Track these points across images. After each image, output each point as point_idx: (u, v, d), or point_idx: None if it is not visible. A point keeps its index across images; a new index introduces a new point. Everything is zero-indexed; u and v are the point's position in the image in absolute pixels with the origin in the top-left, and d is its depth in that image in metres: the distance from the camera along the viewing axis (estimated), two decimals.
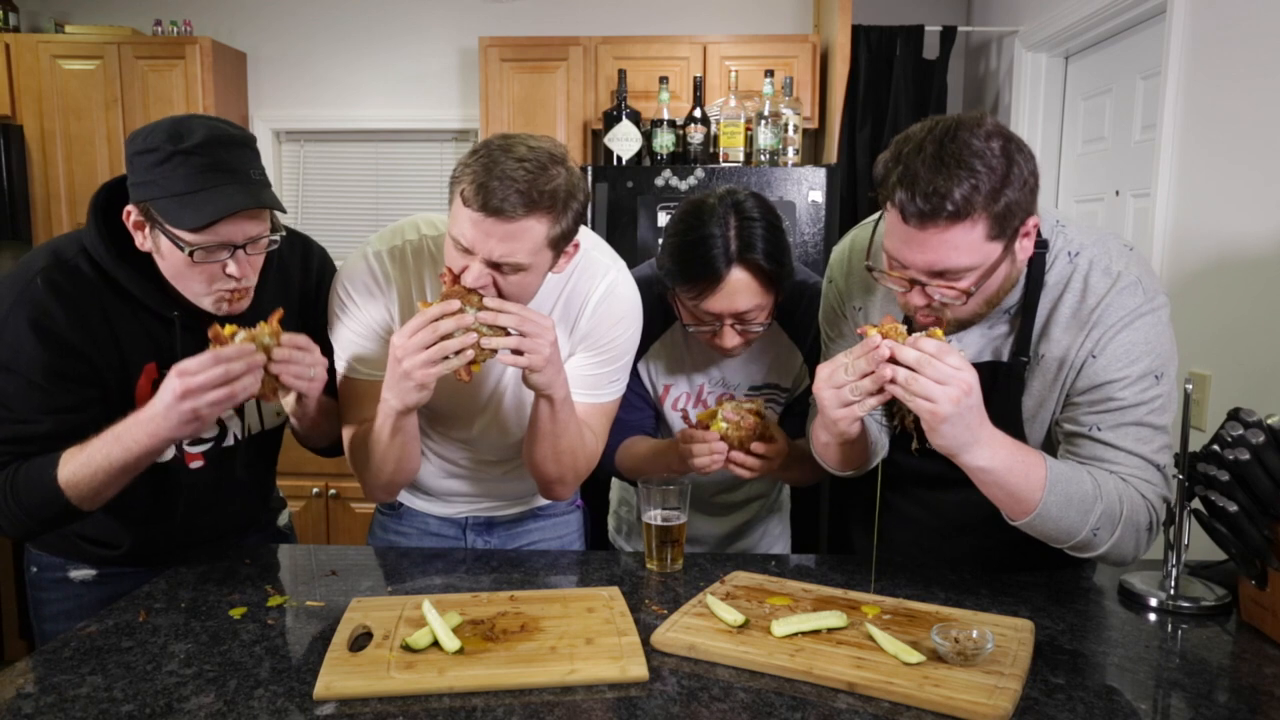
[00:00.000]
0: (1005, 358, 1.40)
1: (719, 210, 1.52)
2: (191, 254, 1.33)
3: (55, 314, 1.35)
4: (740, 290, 1.50)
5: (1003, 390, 1.39)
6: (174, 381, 1.28)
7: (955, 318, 1.32)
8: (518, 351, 1.36)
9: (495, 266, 1.34)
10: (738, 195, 1.56)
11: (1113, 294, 1.31)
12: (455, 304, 1.32)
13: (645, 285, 1.68)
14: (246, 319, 1.44)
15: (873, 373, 1.21)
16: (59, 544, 1.59)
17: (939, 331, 1.21)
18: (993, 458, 1.24)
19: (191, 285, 1.38)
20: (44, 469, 1.34)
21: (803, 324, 1.70)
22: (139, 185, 1.33)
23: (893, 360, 1.19)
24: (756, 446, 1.56)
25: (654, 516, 1.51)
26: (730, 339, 1.55)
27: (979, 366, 1.36)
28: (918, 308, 1.29)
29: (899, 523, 1.61)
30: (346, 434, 1.58)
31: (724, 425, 1.58)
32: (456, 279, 1.35)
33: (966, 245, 1.21)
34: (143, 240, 1.37)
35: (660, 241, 1.65)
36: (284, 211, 1.42)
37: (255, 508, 1.75)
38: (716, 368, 1.72)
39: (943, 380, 1.17)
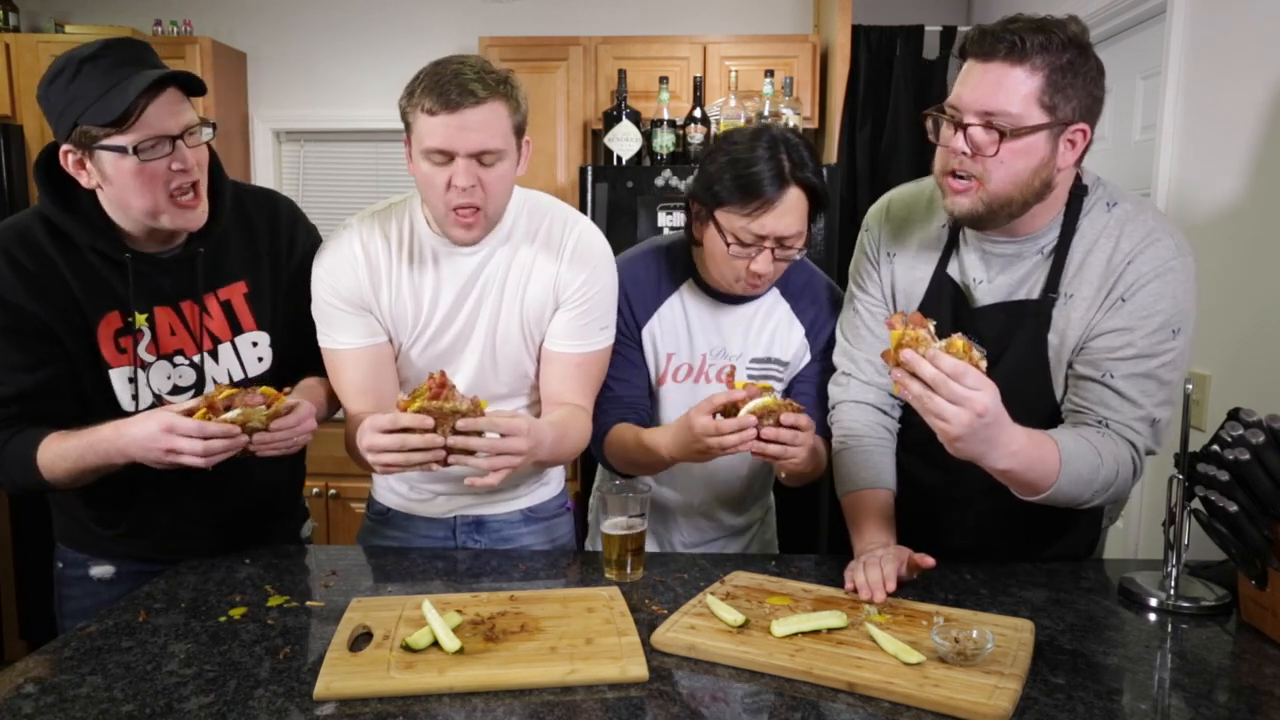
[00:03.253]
0: (1036, 295, 1.45)
1: (765, 133, 1.56)
2: (135, 151, 1.34)
3: (6, 277, 1.41)
4: (791, 210, 1.53)
5: (1030, 327, 1.44)
6: (160, 436, 1.33)
7: (987, 184, 1.35)
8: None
9: (478, 161, 1.42)
10: (774, 126, 1.61)
11: (1146, 243, 1.39)
12: (429, 422, 1.33)
13: (648, 256, 1.74)
14: (212, 269, 1.53)
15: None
16: (84, 540, 1.62)
17: (959, 342, 1.21)
18: (1011, 460, 1.26)
19: (144, 197, 1.38)
20: (27, 448, 1.42)
21: (805, 301, 1.72)
22: (63, 113, 1.36)
23: (913, 373, 1.20)
24: (788, 417, 1.43)
25: (616, 525, 1.48)
26: (765, 264, 1.55)
27: (1009, 305, 1.46)
28: (956, 154, 1.36)
29: (914, 493, 1.61)
30: (345, 411, 1.62)
31: (765, 400, 1.43)
32: (442, 386, 1.35)
33: (1019, 93, 1.30)
34: (86, 178, 1.40)
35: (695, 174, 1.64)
36: (202, 92, 1.43)
37: (275, 477, 1.71)
38: (719, 337, 1.72)
39: (957, 401, 1.17)
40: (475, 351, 1.61)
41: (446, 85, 1.38)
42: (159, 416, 1.34)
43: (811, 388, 1.70)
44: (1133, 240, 1.40)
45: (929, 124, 1.41)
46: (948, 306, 1.51)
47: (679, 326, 1.72)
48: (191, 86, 1.41)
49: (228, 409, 1.37)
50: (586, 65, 3.59)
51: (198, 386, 1.55)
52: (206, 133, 1.44)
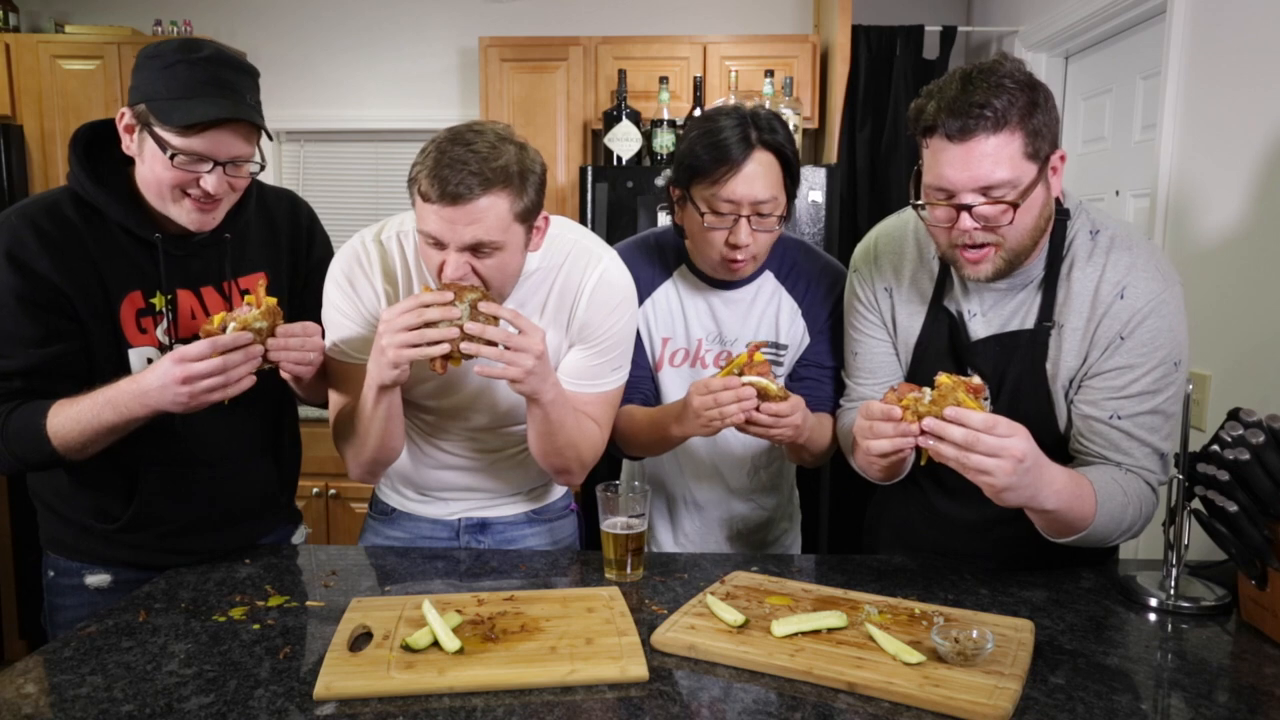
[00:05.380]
0: (1030, 325, 1.45)
1: (733, 109, 1.59)
2: (173, 157, 1.38)
3: (29, 245, 1.41)
4: (760, 174, 1.54)
5: (1027, 355, 1.45)
6: (173, 368, 1.32)
7: (1005, 243, 1.36)
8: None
9: (472, 252, 1.37)
10: (743, 104, 1.62)
11: (1133, 275, 1.38)
12: (449, 295, 1.35)
13: (642, 243, 1.77)
14: (236, 257, 1.55)
15: (915, 427, 1.25)
16: (78, 545, 1.58)
17: (947, 379, 1.23)
18: (1057, 499, 1.27)
19: (164, 192, 1.43)
20: (33, 417, 1.39)
21: (796, 279, 1.72)
22: (140, 86, 1.40)
23: (941, 437, 1.21)
24: (769, 406, 1.45)
25: (615, 524, 1.47)
26: (745, 233, 1.55)
27: (1004, 336, 1.47)
28: (967, 230, 1.34)
29: (932, 521, 1.62)
30: (332, 411, 1.61)
31: (759, 381, 1.44)
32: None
33: (1007, 158, 1.30)
34: (129, 144, 1.43)
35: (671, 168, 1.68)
36: (270, 138, 1.49)
37: (268, 474, 1.70)
38: (713, 322, 1.72)
39: (995, 453, 1.19)
40: (482, 382, 1.59)
41: (445, 176, 1.32)
42: (167, 356, 1.35)
43: (814, 370, 1.71)
44: (1119, 270, 1.39)
45: (916, 212, 1.42)
46: (945, 338, 1.52)
47: (674, 311, 1.73)
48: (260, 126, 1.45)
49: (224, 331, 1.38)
50: (586, 65, 3.59)
51: None
52: (251, 168, 1.47)
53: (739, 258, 1.58)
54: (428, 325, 1.35)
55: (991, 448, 1.18)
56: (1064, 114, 3.25)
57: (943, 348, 1.52)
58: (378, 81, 3.96)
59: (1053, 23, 3.04)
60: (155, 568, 1.55)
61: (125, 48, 3.61)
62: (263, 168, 1.50)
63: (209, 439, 1.56)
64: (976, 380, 1.26)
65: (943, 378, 1.25)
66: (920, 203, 1.39)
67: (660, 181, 3.18)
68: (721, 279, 1.68)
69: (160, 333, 1.50)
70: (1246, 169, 2.03)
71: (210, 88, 1.39)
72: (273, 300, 1.42)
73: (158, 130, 1.38)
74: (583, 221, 3.20)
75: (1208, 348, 2.09)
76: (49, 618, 1.63)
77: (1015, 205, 1.31)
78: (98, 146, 1.48)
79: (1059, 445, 1.46)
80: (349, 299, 1.54)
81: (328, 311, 1.58)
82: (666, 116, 3.34)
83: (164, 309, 1.50)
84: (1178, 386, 1.40)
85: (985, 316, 1.49)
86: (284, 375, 1.46)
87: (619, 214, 3.22)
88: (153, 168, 1.42)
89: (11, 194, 3.60)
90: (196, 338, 1.49)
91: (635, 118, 3.38)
